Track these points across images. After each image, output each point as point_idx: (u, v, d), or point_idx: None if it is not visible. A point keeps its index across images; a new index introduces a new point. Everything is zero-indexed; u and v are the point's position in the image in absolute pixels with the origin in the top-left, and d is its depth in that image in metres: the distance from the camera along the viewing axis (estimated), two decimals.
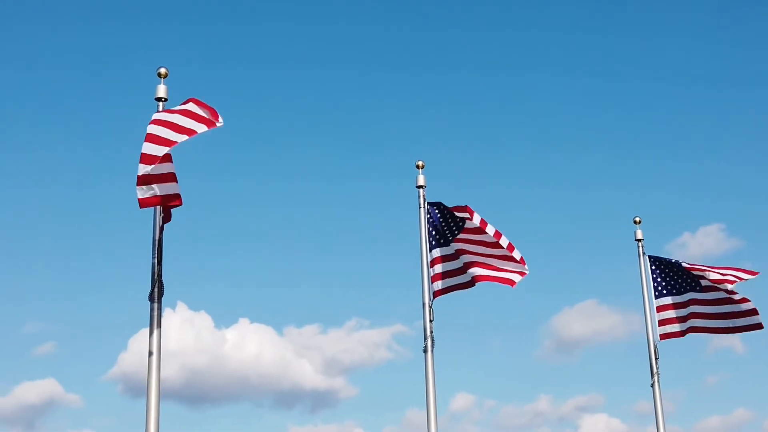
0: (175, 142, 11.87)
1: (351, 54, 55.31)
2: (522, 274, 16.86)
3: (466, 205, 16.94)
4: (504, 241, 16.70)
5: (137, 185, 11.86)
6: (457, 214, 16.99)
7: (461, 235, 16.99)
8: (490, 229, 16.68)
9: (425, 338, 16.46)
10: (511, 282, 16.90)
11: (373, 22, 55.62)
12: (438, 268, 17.03)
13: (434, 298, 16.77)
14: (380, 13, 55.56)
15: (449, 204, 17.11)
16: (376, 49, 55.28)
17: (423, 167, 17.62)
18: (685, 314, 19.67)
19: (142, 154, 11.81)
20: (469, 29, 55.50)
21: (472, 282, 17.05)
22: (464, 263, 17.02)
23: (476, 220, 16.72)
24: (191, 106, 12.57)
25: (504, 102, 54.49)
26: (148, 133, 12.03)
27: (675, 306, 19.75)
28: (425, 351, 16.41)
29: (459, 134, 53.70)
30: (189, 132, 12.03)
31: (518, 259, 16.72)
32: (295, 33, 55.38)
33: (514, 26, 55.76)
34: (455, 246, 17.06)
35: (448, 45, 55.60)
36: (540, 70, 54.89)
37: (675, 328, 19.71)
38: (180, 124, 12.19)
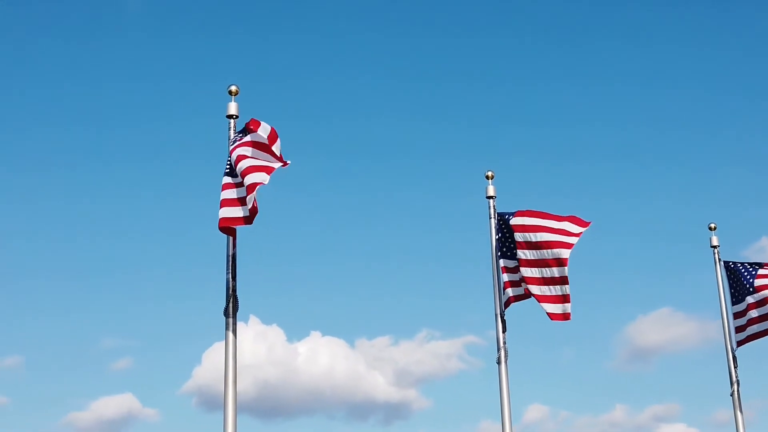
0: (260, 183, 12.27)
1: (421, 65, 55.41)
2: (565, 315, 16.18)
3: (540, 212, 16.62)
4: (562, 271, 16.20)
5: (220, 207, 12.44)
6: (523, 221, 16.60)
7: (520, 251, 16.57)
8: (549, 253, 16.28)
9: (498, 349, 16.36)
10: (553, 315, 16.19)
11: (441, 34, 55.67)
12: (505, 278, 16.84)
13: (505, 308, 16.64)
14: (447, 25, 55.60)
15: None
16: (446, 61, 55.30)
17: (492, 177, 17.54)
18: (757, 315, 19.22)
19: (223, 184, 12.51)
20: (538, 40, 55.22)
21: (527, 294, 16.64)
22: (522, 277, 16.64)
23: (538, 237, 16.33)
24: (260, 136, 12.84)
25: (574, 111, 54.07)
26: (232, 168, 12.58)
27: (754, 307, 19.27)
28: (499, 362, 16.30)
29: (529, 144, 53.39)
30: (268, 170, 12.46)
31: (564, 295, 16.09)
32: (364, 45, 55.67)
33: (584, 36, 55.32)
34: (518, 255, 16.72)
35: (517, 56, 55.40)
36: (612, 79, 54.32)
37: (753, 330, 19.27)
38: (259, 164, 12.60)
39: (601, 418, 45.32)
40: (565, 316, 16.07)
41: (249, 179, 12.12)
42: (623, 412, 45.21)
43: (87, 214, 50.16)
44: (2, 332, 45.67)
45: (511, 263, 16.77)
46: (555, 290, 16.08)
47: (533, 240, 16.31)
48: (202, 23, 54.19)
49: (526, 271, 16.35)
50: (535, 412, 44.36)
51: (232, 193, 12.47)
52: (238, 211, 12.35)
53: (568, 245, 16.10)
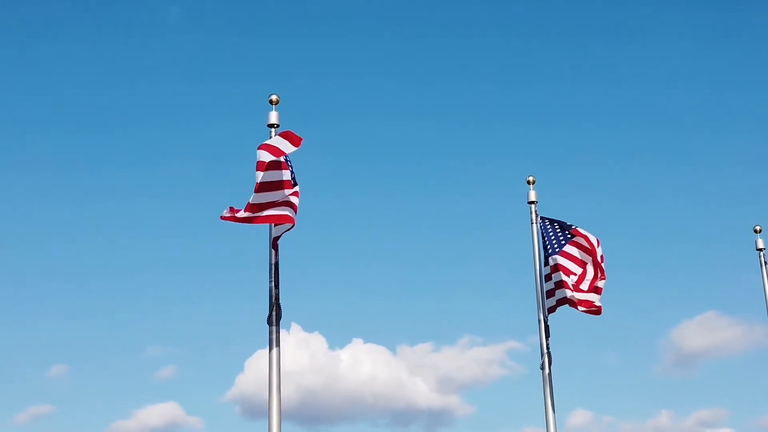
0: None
1: (461, 68, 55.31)
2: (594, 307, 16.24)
3: (575, 227, 16.62)
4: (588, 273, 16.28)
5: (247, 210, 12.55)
6: (561, 231, 16.62)
7: (560, 257, 16.52)
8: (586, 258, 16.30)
9: (542, 355, 16.29)
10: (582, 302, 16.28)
11: (482, 35, 55.54)
12: (549, 284, 16.76)
13: (549, 313, 16.57)
14: (487, 26, 55.48)
15: (561, 217, 16.86)
16: (486, 63, 55.18)
17: (534, 182, 17.50)
18: None
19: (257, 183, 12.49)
20: (578, 42, 54.93)
21: (563, 301, 16.55)
22: (555, 282, 16.58)
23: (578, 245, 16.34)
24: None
25: (615, 114, 53.68)
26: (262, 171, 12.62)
27: None
28: (542, 368, 16.23)
29: (570, 148, 53.06)
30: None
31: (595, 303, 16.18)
32: (402, 48, 55.70)
33: (621, 37, 54.96)
34: (553, 261, 16.65)
35: (559, 57, 55.14)
36: (657, 80, 53.85)
37: None
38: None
39: (647, 424, 44.84)
40: (597, 309, 16.12)
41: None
42: (668, 418, 44.73)
43: (132, 220, 50.65)
44: (48, 341, 46.26)
45: (547, 269, 16.76)
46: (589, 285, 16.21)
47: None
48: (241, 30, 54.58)
49: (566, 277, 16.33)
50: (579, 417, 44.02)
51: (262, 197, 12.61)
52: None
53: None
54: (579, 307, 16.06)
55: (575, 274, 16.28)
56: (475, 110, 54.44)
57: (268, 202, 12.56)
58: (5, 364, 44.44)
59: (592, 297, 16.08)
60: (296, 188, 12.76)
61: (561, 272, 16.32)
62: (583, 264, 16.37)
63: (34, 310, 46.85)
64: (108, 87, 52.65)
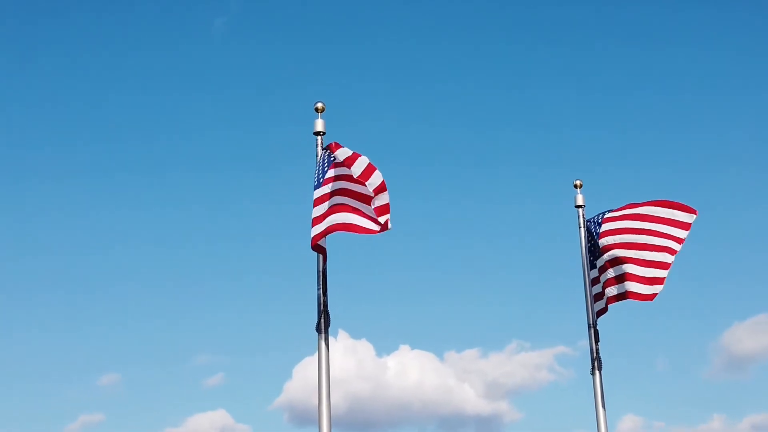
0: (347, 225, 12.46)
1: (509, 73, 55.11)
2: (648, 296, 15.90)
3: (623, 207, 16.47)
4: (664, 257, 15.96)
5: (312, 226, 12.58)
6: (614, 225, 16.45)
7: (606, 254, 16.38)
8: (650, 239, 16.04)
9: (592, 360, 16.16)
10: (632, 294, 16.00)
11: (527, 40, 55.34)
12: (596, 288, 16.63)
13: (597, 317, 16.43)
14: (536, 32, 55.27)
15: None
16: (534, 66, 54.98)
17: (581, 186, 17.39)
18: None
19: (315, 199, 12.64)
20: (628, 45, 54.51)
21: (616, 298, 16.38)
22: (603, 282, 16.47)
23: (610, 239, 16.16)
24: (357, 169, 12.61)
25: (667, 115, 53.15)
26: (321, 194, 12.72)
27: None
28: (593, 372, 16.10)
29: (619, 150, 52.61)
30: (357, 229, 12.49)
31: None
32: (447, 54, 55.69)
33: (679, 40, 54.44)
34: (601, 262, 16.51)
35: (607, 62, 54.78)
36: (706, 81, 53.28)
37: None
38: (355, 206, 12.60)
39: (698, 429, 44.32)
40: (648, 297, 15.82)
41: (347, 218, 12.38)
42: (721, 423, 44.15)
43: (182, 229, 51.04)
44: (99, 350, 46.77)
45: (595, 272, 16.62)
46: (645, 272, 15.85)
47: (628, 240, 16.14)
48: (286, 39, 54.87)
49: (610, 272, 16.21)
50: (629, 422, 43.58)
51: (322, 209, 12.58)
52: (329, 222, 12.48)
53: (678, 239, 15.88)
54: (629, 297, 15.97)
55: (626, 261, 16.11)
56: (522, 114, 54.26)
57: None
58: (57, 372, 45.09)
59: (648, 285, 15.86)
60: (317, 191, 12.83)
61: (609, 270, 16.25)
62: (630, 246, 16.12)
63: (85, 319, 47.44)
64: (154, 97, 53.21)
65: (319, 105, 13.88)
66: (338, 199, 12.56)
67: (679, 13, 54.38)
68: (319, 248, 12.75)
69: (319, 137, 13.67)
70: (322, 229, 12.44)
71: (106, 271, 49.44)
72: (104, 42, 52.96)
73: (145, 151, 52.30)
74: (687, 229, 15.89)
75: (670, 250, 15.79)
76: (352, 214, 12.36)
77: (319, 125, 13.76)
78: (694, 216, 15.90)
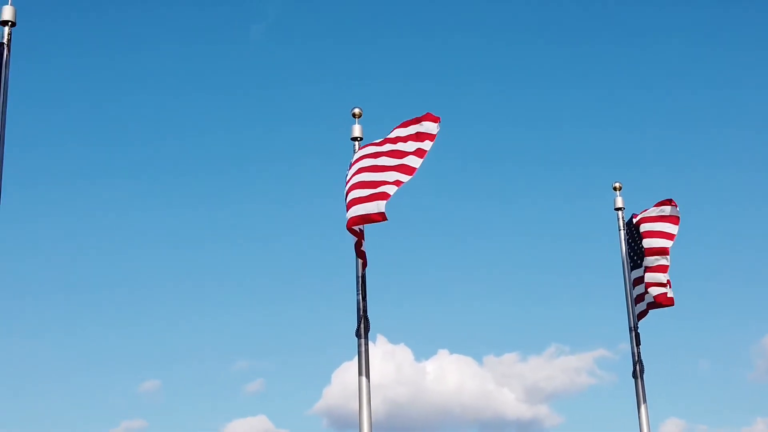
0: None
1: (546, 71, 54.95)
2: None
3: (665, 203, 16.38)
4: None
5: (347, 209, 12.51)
6: (650, 227, 16.34)
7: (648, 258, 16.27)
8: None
9: (634, 363, 16.04)
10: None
11: (569, 41, 55.15)
12: (637, 290, 16.49)
13: (638, 320, 16.31)
14: (575, 32, 55.03)
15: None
16: (569, 68, 54.72)
17: (620, 189, 17.32)
18: None
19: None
20: (669, 41, 54.11)
21: (655, 304, 16.26)
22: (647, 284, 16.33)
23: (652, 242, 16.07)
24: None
25: (707, 116, 52.63)
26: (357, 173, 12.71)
27: None
28: (634, 376, 15.99)
29: (659, 152, 52.16)
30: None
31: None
32: (487, 50, 55.58)
33: (719, 38, 53.99)
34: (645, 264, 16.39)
35: (645, 58, 54.41)
36: (747, 81, 52.74)
37: None
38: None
39: None
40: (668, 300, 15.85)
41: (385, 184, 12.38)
42: (765, 426, 43.53)
43: (220, 233, 51.32)
44: (141, 357, 47.11)
45: (640, 273, 16.48)
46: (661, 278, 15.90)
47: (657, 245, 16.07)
48: (323, 45, 55.07)
49: (650, 277, 16.10)
50: (671, 426, 43.12)
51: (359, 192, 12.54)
52: (368, 208, 12.34)
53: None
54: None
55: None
56: (561, 115, 53.99)
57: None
58: (99, 379, 45.45)
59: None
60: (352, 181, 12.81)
61: (648, 273, 16.13)
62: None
63: (127, 326, 47.84)
64: (192, 102, 53.61)
65: (357, 110, 13.92)
66: (358, 177, 12.64)
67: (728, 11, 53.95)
68: (359, 252, 12.75)
69: (356, 143, 13.71)
70: (351, 216, 12.37)
71: (148, 278, 49.84)
72: (143, 49, 53.47)
73: (183, 152, 52.64)
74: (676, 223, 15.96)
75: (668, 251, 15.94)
76: (363, 203, 12.35)
77: (357, 131, 13.80)
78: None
